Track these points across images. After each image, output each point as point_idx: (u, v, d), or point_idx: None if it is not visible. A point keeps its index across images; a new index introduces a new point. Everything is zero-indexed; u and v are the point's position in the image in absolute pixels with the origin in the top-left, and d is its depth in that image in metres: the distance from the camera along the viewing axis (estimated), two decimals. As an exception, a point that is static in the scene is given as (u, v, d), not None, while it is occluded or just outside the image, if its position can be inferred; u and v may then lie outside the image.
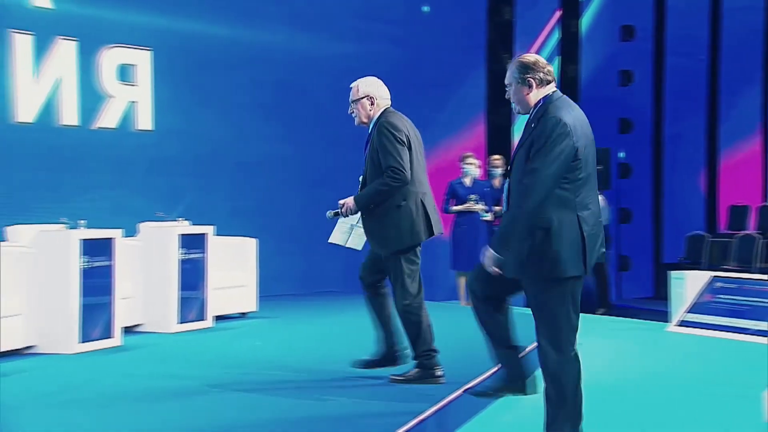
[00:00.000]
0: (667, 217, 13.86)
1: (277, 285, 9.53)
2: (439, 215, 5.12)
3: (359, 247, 5.32)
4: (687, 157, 14.13)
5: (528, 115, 3.82)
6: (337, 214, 5.09)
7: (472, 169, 9.12)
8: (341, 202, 5.00)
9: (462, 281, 9.20)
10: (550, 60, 13.10)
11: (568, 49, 13.15)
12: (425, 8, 11.71)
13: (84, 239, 6.10)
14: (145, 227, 7.24)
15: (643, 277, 13.40)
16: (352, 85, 5.14)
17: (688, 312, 7.65)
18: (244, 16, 10.01)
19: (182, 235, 7.13)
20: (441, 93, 11.54)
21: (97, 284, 6.19)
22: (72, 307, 6.02)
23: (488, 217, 9.11)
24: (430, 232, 5.00)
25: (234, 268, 7.98)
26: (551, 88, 3.84)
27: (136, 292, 6.98)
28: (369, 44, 10.82)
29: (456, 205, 9.09)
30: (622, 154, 12.90)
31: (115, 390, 4.86)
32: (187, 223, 7.50)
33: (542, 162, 3.58)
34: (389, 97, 5.16)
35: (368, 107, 5.06)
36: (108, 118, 9.00)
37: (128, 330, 6.71)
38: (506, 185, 3.90)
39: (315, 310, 8.71)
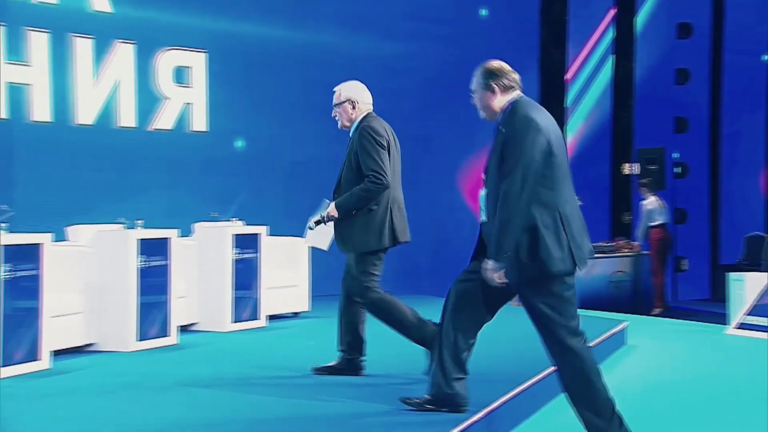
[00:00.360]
0: (724, 218, 13.59)
1: (329, 285, 9.54)
2: (406, 224, 5.12)
3: (326, 247, 5.30)
4: (746, 156, 13.83)
5: (496, 122, 3.87)
6: (318, 222, 5.13)
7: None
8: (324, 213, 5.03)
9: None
10: (603, 59, 13.07)
11: (623, 48, 12.98)
12: (483, 11, 11.67)
13: (141, 239, 6.20)
14: (199, 227, 7.33)
15: (700, 278, 13.15)
16: (335, 89, 5.22)
17: (748, 314, 7.48)
18: (297, 18, 10.08)
19: (236, 235, 7.20)
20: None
21: (153, 283, 6.27)
22: (130, 306, 6.11)
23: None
24: (395, 240, 5.01)
25: (287, 267, 8.04)
26: (517, 94, 3.90)
27: (191, 292, 7.07)
28: (420, 44, 10.81)
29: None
30: (676, 155, 12.68)
31: (171, 386, 4.93)
32: (240, 223, 7.58)
33: (520, 158, 3.63)
34: (371, 101, 5.21)
35: (350, 111, 5.14)
36: (164, 120, 9.15)
37: (183, 329, 6.81)
38: (482, 194, 3.92)
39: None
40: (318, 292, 8.49)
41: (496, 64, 4.00)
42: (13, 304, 5.17)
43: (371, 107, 5.21)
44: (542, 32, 12.30)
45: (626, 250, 11.02)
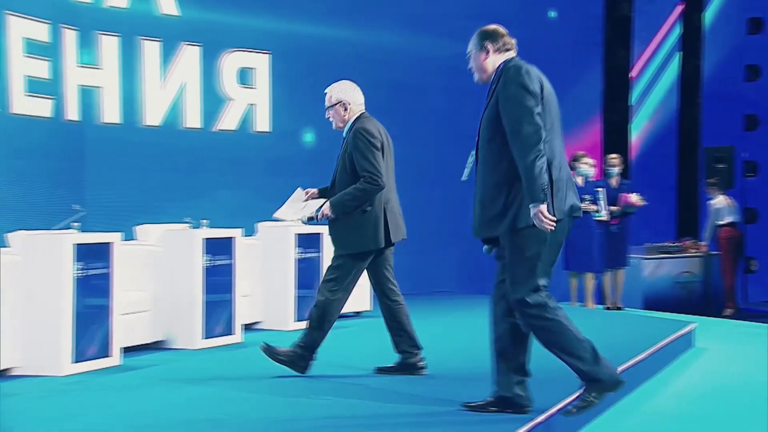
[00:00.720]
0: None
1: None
2: (401, 223, 5.18)
3: (300, 217, 5.29)
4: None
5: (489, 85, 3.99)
6: (311, 219, 5.16)
7: (586, 168, 8.93)
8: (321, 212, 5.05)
9: (574, 282, 9.04)
10: (669, 56, 12.81)
11: (690, 44, 12.70)
12: (552, 13, 11.55)
13: (206, 238, 6.29)
14: (262, 227, 7.41)
15: (770, 280, 12.80)
16: (326, 91, 5.22)
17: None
18: (360, 18, 10.12)
19: (299, 234, 7.27)
20: (556, 91, 11.33)
21: (219, 282, 6.36)
22: (196, 304, 6.21)
23: (603, 216, 8.91)
24: (389, 240, 5.04)
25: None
26: (510, 54, 3.99)
27: (255, 291, 7.16)
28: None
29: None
30: (745, 153, 12.36)
31: (237, 383, 4.99)
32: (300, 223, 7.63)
33: (519, 102, 3.75)
34: (363, 101, 5.20)
35: (342, 113, 5.13)
36: (228, 121, 9.28)
37: (247, 327, 6.89)
38: (473, 154, 4.04)
39: (429, 310, 8.71)
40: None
41: (491, 27, 4.08)
42: (84, 302, 5.31)
43: (363, 107, 5.22)
44: (607, 30, 12.11)
45: (693, 251, 10.79)
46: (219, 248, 6.37)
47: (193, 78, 9.02)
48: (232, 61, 9.26)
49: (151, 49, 8.72)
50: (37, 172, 7.87)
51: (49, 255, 5.20)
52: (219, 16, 9.19)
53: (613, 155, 9.52)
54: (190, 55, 8.97)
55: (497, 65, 3.97)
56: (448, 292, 10.09)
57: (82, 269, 5.28)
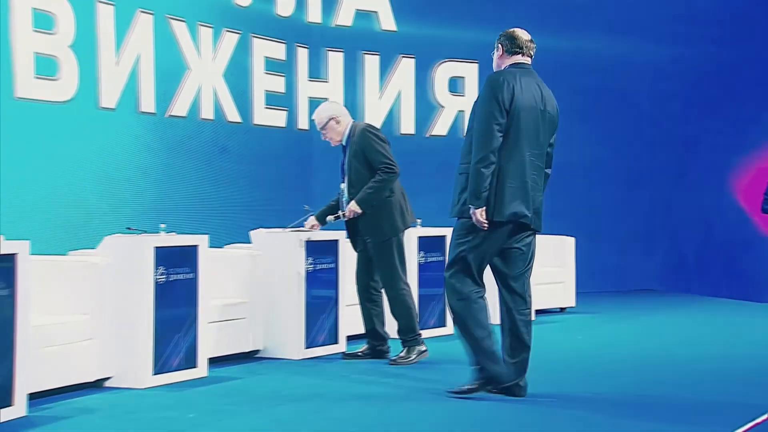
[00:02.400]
0: None
1: (593, 282, 9.36)
2: (410, 207, 5.33)
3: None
4: None
5: None
6: (338, 217, 5.26)
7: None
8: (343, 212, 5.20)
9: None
10: None
11: None
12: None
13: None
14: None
15: None
16: (312, 118, 5.35)
17: None
18: (563, 26, 9.91)
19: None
20: (766, 91, 10.55)
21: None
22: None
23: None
24: (406, 224, 5.29)
25: (553, 265, 7.95)
26: (519, 59, 4.17)
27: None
28: (688, 47, 10.18)
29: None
30: None
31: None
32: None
33: (483, 108, 3.98)
34: (347, 111, 5.39)
35: (336, 127, 5.25)
36: (439, 127, 9.41)
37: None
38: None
39: (633, 307, 8.41)
40: (582, 289, 8.35)
41: (516, 30, 4.29)
42: (313, 294, 5.40)
43: (349, 116, 5.36)
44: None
45: None
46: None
47: (408, 87, 9.24)
48: (443, 71, 9.38)
49: (371, 62, 9.03)
50: (273, 175, 8.36)
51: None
52: (432, 30, 9.34)
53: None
54: (405, 67, 9.19)
55: (501, 66, 4.19)
56: (652, 291, 9.67)
57: (312, 264, 5.37)
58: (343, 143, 5.34)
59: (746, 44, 10.41)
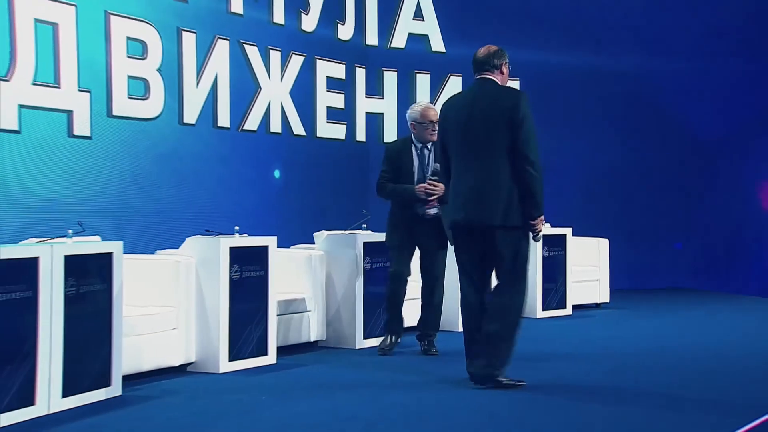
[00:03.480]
0: None
1: (626, 279, 9.33)
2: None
3: None
4: None
5: None
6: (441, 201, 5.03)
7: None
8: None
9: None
10: None
11: None
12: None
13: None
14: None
15: None
16: (432, 116, 5.25)
17: None
18: (601, 43, 9.89)
19: (545, 235, 7.17)
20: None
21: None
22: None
23: None
24: None
25: (589, 263, 7.94)
26: (479, 77, 4.40)
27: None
28: (705, 62, 10.05)
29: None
30: None
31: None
32: (547, 225, 7.58)
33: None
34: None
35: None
36: (485, 138, 9.43)
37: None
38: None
39: (662, 304, 8.32)
40: (616, 286, 8.32)
41: (489, 48, 4.50)
42: (369, 290, 5.53)
43: None
44: None
45: None
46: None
47: (456, 103, 9.29)
48: (488, 87, 9.40)
49: (422, 80, 9.14)
50: (333, 183, 8.52)
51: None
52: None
53: None
54: (453, 84, 9.25)
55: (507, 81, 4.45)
56: (682, 289, 9.54)
57: (368, 263, 5.51)
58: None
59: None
